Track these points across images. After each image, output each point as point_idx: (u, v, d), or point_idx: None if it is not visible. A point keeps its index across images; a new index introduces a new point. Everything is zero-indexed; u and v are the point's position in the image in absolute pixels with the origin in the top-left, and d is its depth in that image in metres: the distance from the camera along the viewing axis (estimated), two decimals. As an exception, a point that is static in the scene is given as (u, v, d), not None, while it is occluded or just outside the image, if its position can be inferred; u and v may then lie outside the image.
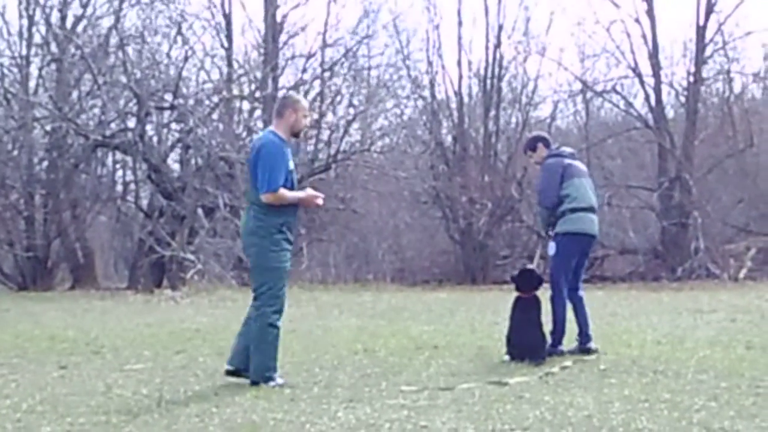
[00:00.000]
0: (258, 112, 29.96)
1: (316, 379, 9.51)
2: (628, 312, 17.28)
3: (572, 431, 6.99)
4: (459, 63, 31.02)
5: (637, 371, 9.80)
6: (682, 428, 7.07)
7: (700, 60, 29.72)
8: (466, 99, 31.15)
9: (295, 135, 9.45)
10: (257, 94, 29.18)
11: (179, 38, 28.60)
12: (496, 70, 30.58)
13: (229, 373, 9.31)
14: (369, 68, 31.34)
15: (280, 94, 29.98)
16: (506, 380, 9.21)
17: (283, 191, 9.08)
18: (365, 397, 8.51)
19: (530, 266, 11.22)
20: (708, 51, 30.05)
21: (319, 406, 8.06)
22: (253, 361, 9.10)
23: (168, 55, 28.71)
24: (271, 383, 9.01)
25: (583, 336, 11.25)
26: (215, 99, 27.92)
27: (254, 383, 9.02)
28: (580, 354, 10.97)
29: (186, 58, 28.53)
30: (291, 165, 9.24)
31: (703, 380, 9.20)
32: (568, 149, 11.53)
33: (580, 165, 11.30)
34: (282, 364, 10.53)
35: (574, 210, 10.97)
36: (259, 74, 29.44)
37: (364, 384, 9.21)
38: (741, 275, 26.71)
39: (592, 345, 11.21)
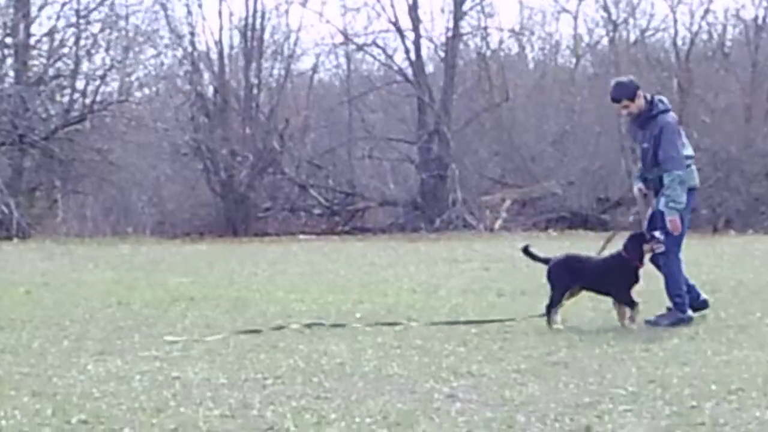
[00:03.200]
0: (9, 61, 28.83)
1: (67, 333, 9.27)
2: (386, 262, 17.50)
3: (324, 378, 7.04)
4: (220, 13, 30.73)
5: (392, 319, 9.93)
6: (431, 373, 7.21)
7: (458, 15, 30.22)
8: (227, 50, 30.80)
9: None
10: (8, 41, 28.07)
11: None
12: (258, 21, 30.35)
13: None
14: (127, 16, 30.52)
15: (33, 41, 28.98)
16: (261, 330, 9.20)
17: None
18: (117, 349, 8.36)
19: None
20: (466, 7, 30.60)
21: (69, 360, 7.87)
22: None
23: None
24: None
25: (695, 291, 10.09)
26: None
27: None
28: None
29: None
30: None
31: (455, 327, 9.40)
32: (665, 99, 10.26)
33: None
34: (31, 317, 10.26)
35: (688, 165, 9.92)
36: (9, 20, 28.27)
37: (117, 337, 9.04)
38: (496, 226, 27.46)
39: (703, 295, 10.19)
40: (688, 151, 10.01)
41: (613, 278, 9.57)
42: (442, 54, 30.81)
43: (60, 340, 8.83)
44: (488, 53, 31.74)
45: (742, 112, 28.94)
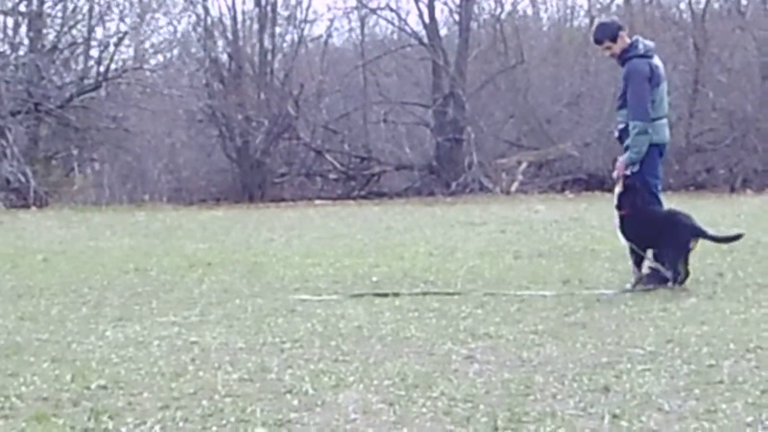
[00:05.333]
0: (23, 29, 28.82)
1: (85, 299, 9.30)
2: (402, 226, 17.49)
3: (341, 341, 7.05)
4: (232, -22, 30.52)
5: (409, 282, 9.94)
6: (449, 335, 7.21)
7: (472, -23, 30.10)
8: (240, 16, 30.73)
9: None
10: (22, 9, 28.03)
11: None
12: (271, -15, 30.23)
13: None
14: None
15: (46, 9, 28.94)
16: (281, 295, 9.21)
17: None
18: (135, 315, 8.39)
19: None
20: (479, -32, 30.45)
21: (87, 326, 7.89)
22: None
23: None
24: None
25: None
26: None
27: None
28: None
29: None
30: None
31: (472, 289, 9.40)
32: (649, 43, 9.80)
33: (661, 64, 9.76)
34: (49, 285, 10.29)
35: (655, 119, 9.45)
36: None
37: (135, 303, 9.06)
38: (513, 188, 27.41)
39: None
40: (661, 108, 9.56)
41: None
42: (456, 16, 30.70)
43: (78, 307, 8.86)
44: (503, 15, 31.59)
45: (759, 70, 28.68)
